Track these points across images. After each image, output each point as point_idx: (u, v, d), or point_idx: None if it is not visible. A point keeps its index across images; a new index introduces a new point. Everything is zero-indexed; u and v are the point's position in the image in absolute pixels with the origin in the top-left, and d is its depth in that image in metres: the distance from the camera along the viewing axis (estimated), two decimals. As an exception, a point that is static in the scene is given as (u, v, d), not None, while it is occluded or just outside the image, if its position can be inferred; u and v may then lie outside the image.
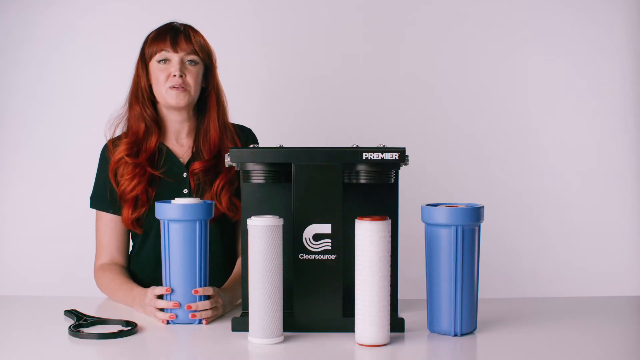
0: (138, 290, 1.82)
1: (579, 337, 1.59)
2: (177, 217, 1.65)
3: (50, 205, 2.87)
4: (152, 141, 1.99)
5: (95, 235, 2.03)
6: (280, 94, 2.91)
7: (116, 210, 1.99)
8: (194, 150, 2.03)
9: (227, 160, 1.64)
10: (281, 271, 1.53)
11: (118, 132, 2.04)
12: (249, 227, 1.53)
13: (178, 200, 1.68)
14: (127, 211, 1.97)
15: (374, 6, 2.91)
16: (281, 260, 1.53)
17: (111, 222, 2.01)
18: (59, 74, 2.88)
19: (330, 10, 2.90)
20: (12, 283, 2.86)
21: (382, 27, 2.91)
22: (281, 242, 1.53)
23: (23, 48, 2.87)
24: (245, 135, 2.09)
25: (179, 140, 2.04)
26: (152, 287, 1.73)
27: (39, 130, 2.89)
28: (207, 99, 2.03)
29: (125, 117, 2.03)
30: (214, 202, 1.73)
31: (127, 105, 2.03)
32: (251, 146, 1.66)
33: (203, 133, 2.02)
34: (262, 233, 1.51)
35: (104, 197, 2.00)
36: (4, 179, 2.90)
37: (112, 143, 2.02)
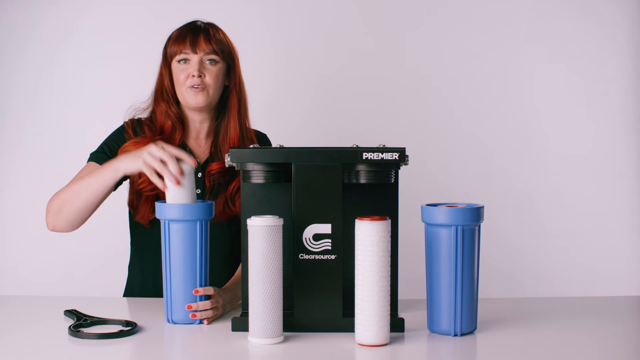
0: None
1: (579, 337, 1.59)
2: (178, 217, 1.65)
3: (50, 205, 2.87)
4: (177, 139, 2.00)
5: (72, 178, 1.95)
6: (280, 94, 2.91)
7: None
8: (212, 150, 2.04)
9: (227, 160, 1.64)
10: (281, 271, 1.53)
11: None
12: (249, 227, 1.53)
13: None
14: (146, 207, 1.96)
15: (375, 7, 2.91)
16: (281, 260, 1.53)
17: None
18: (59, 74, 2.89)
19: (331, 10, 2.91)
20: (12, 283, 2.87)
21: (383, 28, 2.91)
22: (281, 242, 1.53)
23: (23, 48, 2.87)
24: (262, 142, 2.11)
25: (198, 140, 2.05)
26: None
27: (39, 130, 2.89)
28: (228, 98, 2.03)
29: (148, 110, 2.04)
30: (214, 202, 1.72)
31: (153, 101, 2.04)
32: (251, 146, 1.66)
33: (223, 132, 2.02)
34: (262, 233, 1.51)
35: (105, 154, 1.98)
36: (4, 179, 2.91)
37: (132, 127, 2.02)
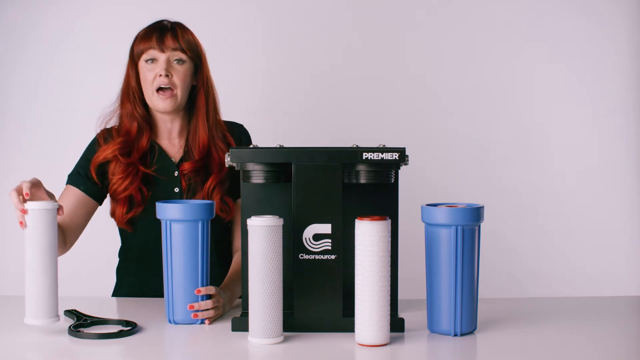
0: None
1: (579, 337, 1.59)
2: (180, 217, 1.65)
3: (50, 205, 2.87)
4: (144, 140, 1.99)
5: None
6: (280, 94, 2.91)
7: (87, 188, 1.97)
8: (185, 149, 2.03)
9: (227, 160, 1.64)
10: (281, 271, 1.53)
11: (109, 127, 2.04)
12: (249, 227, 1.53)
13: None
14: (120, 210, 1.96)
15: (375, 6, 2.91)
16: (281, 260, 1.53)
17: (76, 197, 1.97)
18: (59, 74, 2.88)
19: (330, 9, 2.91)
20: (12, 283, 2.86)
21: (383, 27, 2.91)
22: (281, 242, 1.53)
23: (24, 48, 2.87)
24: (237, 132, 2.08)
25: (171, 139, 2.04)
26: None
27: (39, 130, 2.89)
28: (196, 98, 2.01)
29: (117, 114, 2.03)
30: (214, 202, 1.72)
31: (119, 102, 2.02)
32: (251, 146, 1.66)
33: (192, 133, 2.01)
34: (262, 233, 1.51)
35: (80, 174, 1.99)
36: (4, 179, 2.90)
37: (103, 138, 2.01)
